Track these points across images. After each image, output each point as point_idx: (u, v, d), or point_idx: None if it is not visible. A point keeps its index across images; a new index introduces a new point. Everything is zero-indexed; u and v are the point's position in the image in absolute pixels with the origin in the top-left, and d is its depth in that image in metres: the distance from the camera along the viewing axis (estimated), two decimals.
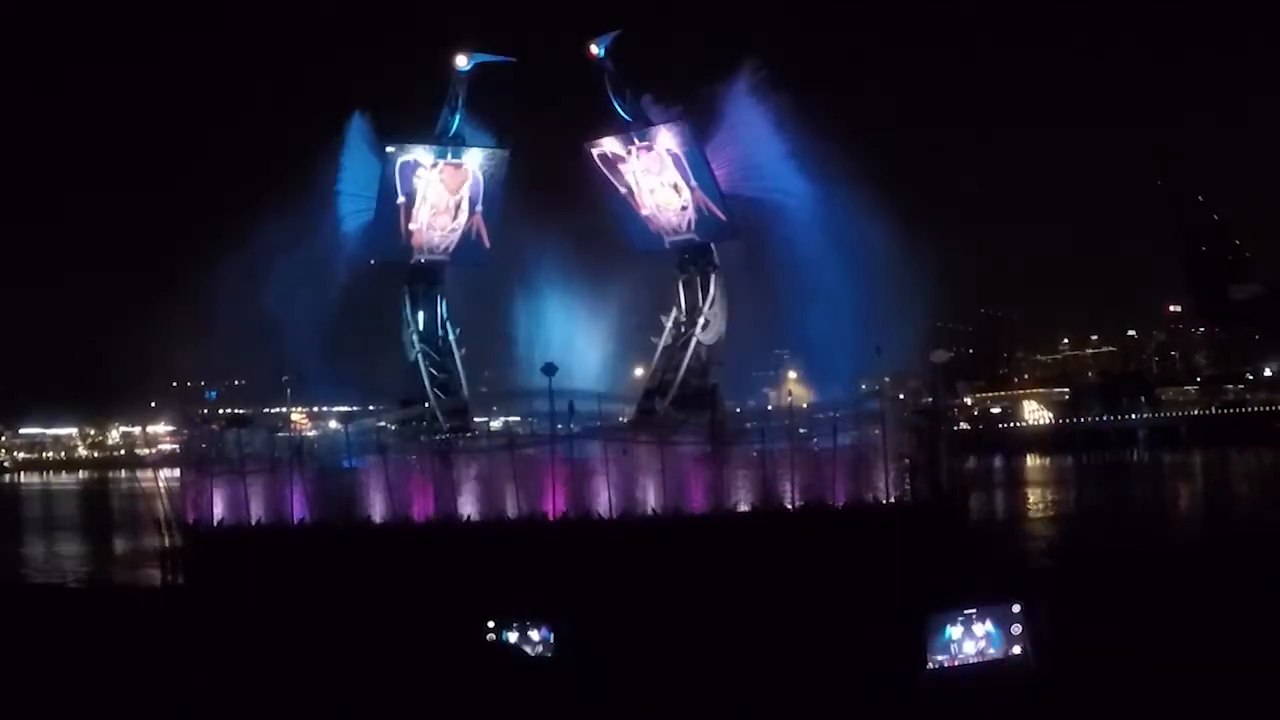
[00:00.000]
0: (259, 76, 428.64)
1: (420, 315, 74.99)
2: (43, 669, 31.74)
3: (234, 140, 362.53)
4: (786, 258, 69.84)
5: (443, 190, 74.97)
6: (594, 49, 73.09)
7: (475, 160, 75.41)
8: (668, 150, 72.66)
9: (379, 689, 27.11)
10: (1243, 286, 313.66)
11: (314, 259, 72.71)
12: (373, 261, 76.22)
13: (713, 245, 73.40)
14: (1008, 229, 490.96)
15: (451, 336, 75.06)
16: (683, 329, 73.29)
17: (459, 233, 75.26)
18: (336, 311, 73.40)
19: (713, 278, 72.94)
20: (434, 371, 73.88)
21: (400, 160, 74.29)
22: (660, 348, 73.54)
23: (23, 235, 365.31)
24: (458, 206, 75.32)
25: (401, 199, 74.21)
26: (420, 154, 74.70)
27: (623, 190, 74.58)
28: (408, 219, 74.41)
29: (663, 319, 73.88)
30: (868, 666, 24.10)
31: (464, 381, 75.25)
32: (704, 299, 72.73)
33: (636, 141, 73.19)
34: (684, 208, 72.90)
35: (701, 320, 72.32)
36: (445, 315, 75.66)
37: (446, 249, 75.46)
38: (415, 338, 73.97)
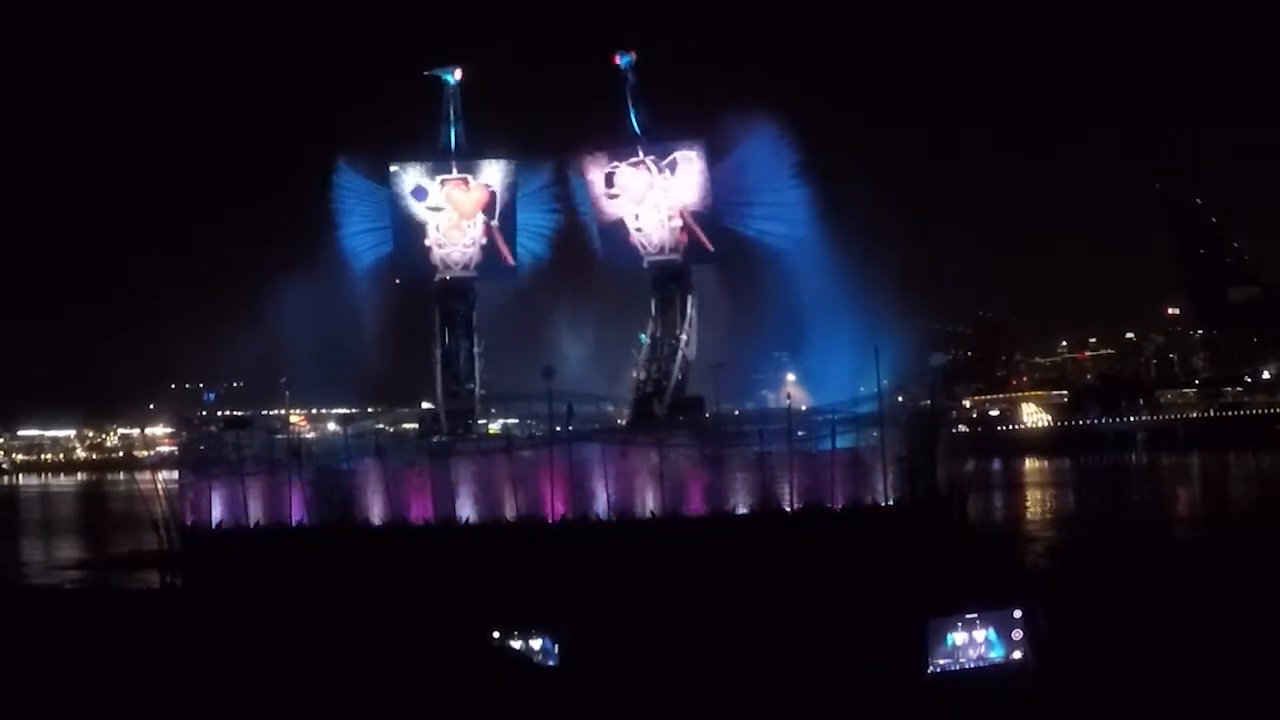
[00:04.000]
0: (261, 89, 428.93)
1: (446, 331, 75.25)
2: (41, 671, 31.69)
3: (236, 151, 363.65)
4: (781, 275, 70.41)
5: (454, 205, 75.09)
6: (619, 59, 73.26)
7: (483, 173, 75.43)
8: (672, 170, 72.77)
9: (378, 692, 27.06)
10: (1241, 289, 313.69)
11: (325, 272, 73.36)
12: (398, 281, 76.81)
13: (691, 267, 73.73)
14: (1006, 232, 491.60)
15: (476, 349, 75.16)
16: (659, 346, 73.63)
17: (477, 247, 75.23)
18: (355, 321, 73.97)
19: (689, 299, 73.29)
20: (453, 388, 74.25)
21: (405, 178, 74.60)
22: (640, 363, 73.88)
23: (22, 237, 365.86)
24: (471, 220, 75.32)
25: (413, 217, 74.57)
26: (425, 170, 74.88)
27: (611, 204, 74.53)
28: (424, 236, 74.78)
29: (641, 336, 74.17)
30: (868, 670, 24.07)
31: (478, 393, 75.38)
32: (681, 320, 73.04)
33: (641, 156, 73.28)
34: (673, 229, 72.99)
35: (684, 338, 72.73)
36: (473, 328, 75.72)
37: (470, 264, 75.46)
38: (439, 352, 74.45)
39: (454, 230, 74.76)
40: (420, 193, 74.77)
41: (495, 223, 75.39)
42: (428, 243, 74.64)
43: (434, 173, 74.80)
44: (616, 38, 76.06)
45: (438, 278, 75.06)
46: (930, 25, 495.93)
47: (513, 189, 75.45)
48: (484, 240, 75.16)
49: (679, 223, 72.66)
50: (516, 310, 78.56)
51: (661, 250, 73.39)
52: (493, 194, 75.07)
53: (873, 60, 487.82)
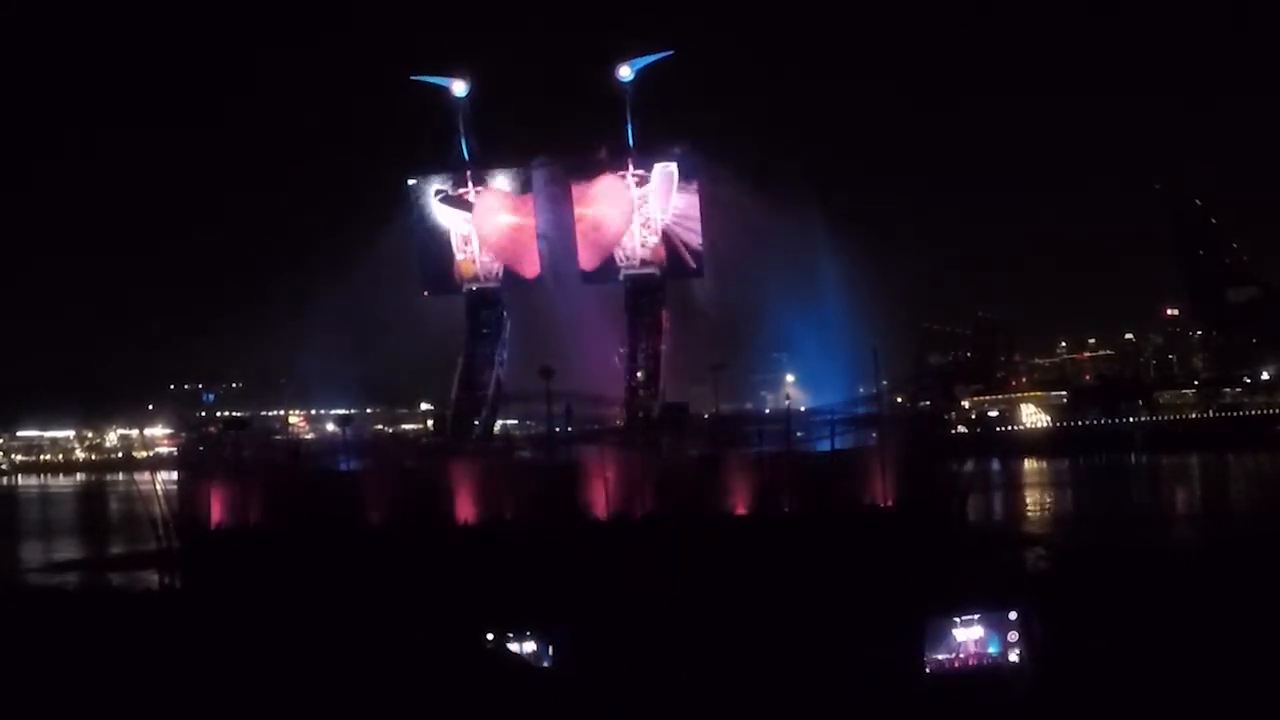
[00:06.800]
0: (264, 90, 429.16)
1: (475, 341, 75.88)
2: (40, 672, 31.67)
3: (238, 152, 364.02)
4: (777, 278, 70.74)
5: (477, 216, 75.38)
6: (624, 70, 73.36)
7: (501, 183, 75.62)
8: (661, 184, 72.96)
9: (375, 693, 27.06)
10: (1240, 290, 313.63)
11: (328, 275, 74.05)
12: (426, 294, 77.41)
13: (667, 281, 74.04)
14: (1006, 233, 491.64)
15: (499, 356, 75.62)
16: (636, 356, 74.08)
17: (503, 256, 75.59)
18: (357, 324, 74.54)
19: (663, 313, 73.69)
20: (466, 392, 74.77)
21: (425, 192, 75.02)
22: (623, 371, 74.32)
23: (22, 237, 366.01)
24: (495, 230, 75.60)
25: (436, 228, 75.05)
26: (443, 182, 75.24)
27: (591, 217, 74.64)
28: (448, 248, 75.23)
29: (621, 350, 74.50)
30: (864, 672, 24.06)
31: (490, 397, 75.73)
32: (656, 333, 73.49)
33: (631, 169, 73.42)
34: (655, 243, 73.16)
35: (663, 348, 73.22)
36: (502, 335, 76.17)
37: (495, 274, 75.83)
38: (461, 359, 75.18)
39: (485, 240, 75.13)
40: (441, 204, 75.29)
41: (519, 231, 75.74)
42: (454, 254, 75.13)
43: (454, 185, 75.23)
44: (617, 47, 76.00)
45: (466, 288, 75.66)
46: (930, 25, 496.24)
47: (532, 198, 75.81)
48: (512, 250, 75.58)
49: (657, 238, 72.91)
50: (518, 314, 78.86)
51: (640, 264, 73.66)
52: (513, 204, 75.35)
53: (872, 60, 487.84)
